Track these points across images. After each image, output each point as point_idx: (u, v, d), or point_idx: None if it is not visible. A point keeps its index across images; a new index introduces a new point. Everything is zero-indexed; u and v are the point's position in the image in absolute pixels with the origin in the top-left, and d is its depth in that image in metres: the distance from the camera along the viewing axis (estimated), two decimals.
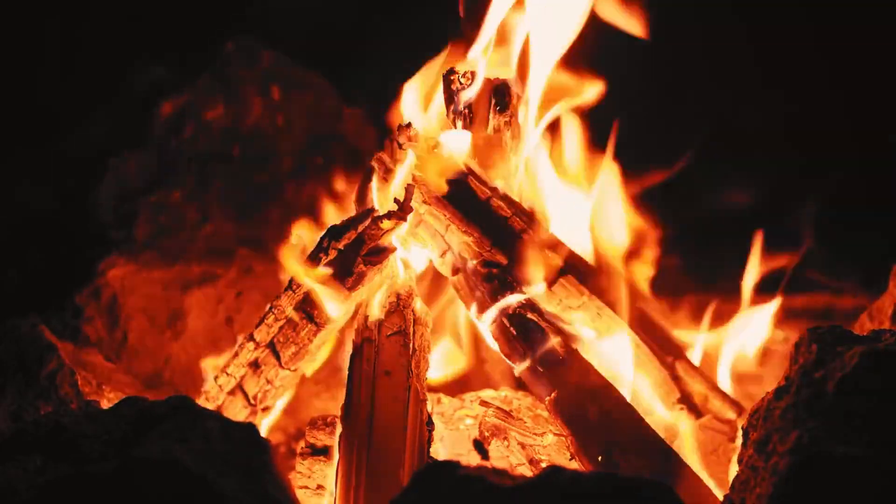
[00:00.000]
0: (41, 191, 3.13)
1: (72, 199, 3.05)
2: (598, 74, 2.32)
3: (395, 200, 2.06)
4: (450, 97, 2.18)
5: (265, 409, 2.19)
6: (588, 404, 1.94)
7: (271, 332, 2.11)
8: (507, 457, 2.02)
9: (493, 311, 2.06)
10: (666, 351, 2.20)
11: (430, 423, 1.95)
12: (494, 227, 2.13)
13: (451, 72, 2.16)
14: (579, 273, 2.17)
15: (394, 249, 2.09)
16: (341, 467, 1.84)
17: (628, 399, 2.01)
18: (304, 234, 2.15)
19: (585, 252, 2.29)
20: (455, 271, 2.14)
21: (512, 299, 2.06)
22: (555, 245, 2.18)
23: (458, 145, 2.15)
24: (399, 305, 2.03)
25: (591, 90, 2.29)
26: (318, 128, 3.24)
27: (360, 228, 2.07)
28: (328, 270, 2.05)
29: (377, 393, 1.90)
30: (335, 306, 2.05)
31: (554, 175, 2.32)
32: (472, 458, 2.08)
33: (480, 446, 2.07)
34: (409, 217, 2.08)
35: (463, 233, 2.12)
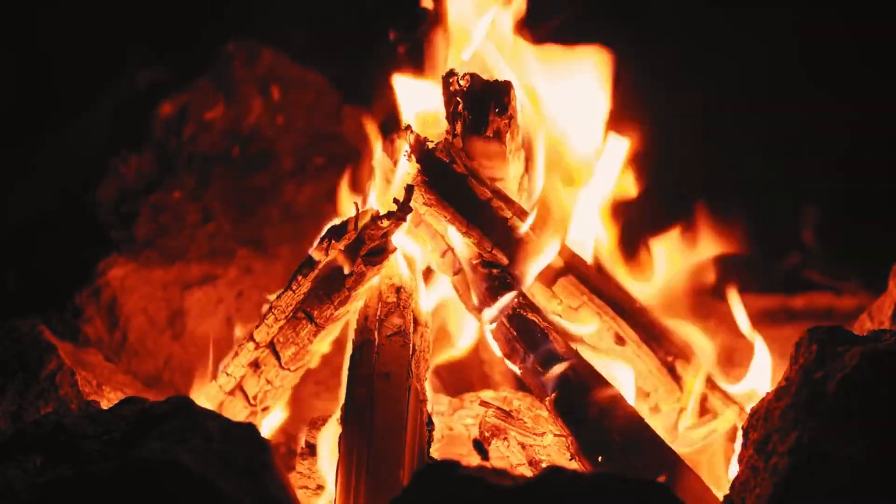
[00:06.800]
0: (41, 191, 3.13)
1: (72, 199, 3.05)
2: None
3: (395, 200, 2.06)
4: (448, 99, 2.17)
5: (265, 409, 2.19)
6: (588, 404, 1.94)
7: (271, 333, 2.11)
8: (507, 457, 2.02)
9: (493, 312, 2.06)
10: (666, 350, 2.19)
11: (430, 423, 1.95)
12: (495, 227, 2.13)
13: (451, 73, 2.16)
14: (580, 273, 2.17)
15: (394, 249, 2.09)
16: (341, 467, 1.84)
17: (628, 399, 2.01)
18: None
19: (586, 250, 2.30)
20: (455, 272, 2.15)
21: (512, 300, 2.06)
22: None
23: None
24: (399, 305, 2.03)
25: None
26: (317, 128, 3.24)
27: (360, 228, 2.07)
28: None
29: (377, 393, 1.90)
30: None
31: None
32: (472, 458, 2.08)
33: (480, 446, 2.06)
34: (409, 217, 2.08)
35: (464, 234, 2.12)
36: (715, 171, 3.34)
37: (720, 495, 1.83)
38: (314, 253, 2.07)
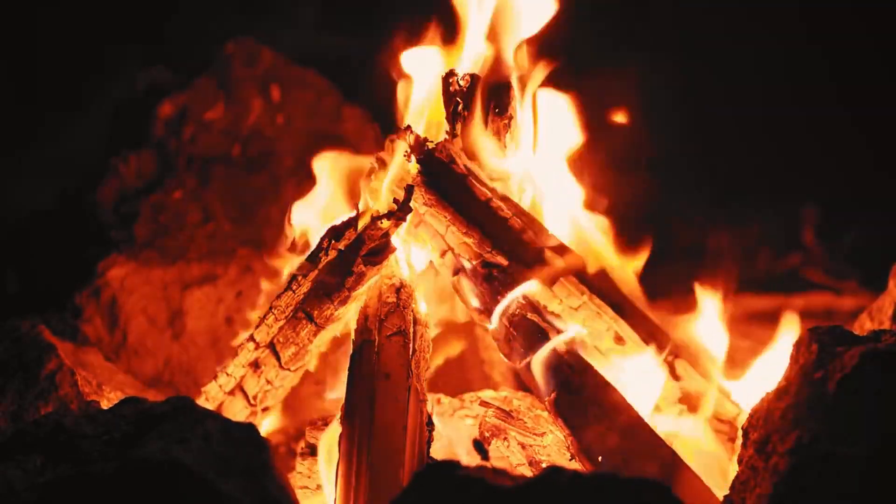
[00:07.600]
0: (41, 191, 3.14)
1: (72, 199, 3.05)
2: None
3: (395, 200, 2.06)
4: (448, 99, 2.17)
5: (265, 409, 2.19)
6: (588, 404, 1.94)
7: (271, 333, 2.11)
8: (507, 457, 2.02)
9: (493, 312, 2.06)
10: (666, 350, 2.19)
11: (430, 423, 1.95)
12: (495, 228, 2.13)
13: (451, 73, 2.16)
14: (580, 273, 2.17)
15: (394, 249, 2.09)
16: (341, 467, 1.84)
17: (628, 399, 2.01)
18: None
19: (585, 250, 2.30)
20: (455, 272, 2.15)
21: (512, 300, 2.06)
22: (555, 245, 2.17)
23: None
24: (399, 305, 2.03)
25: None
26: (317, 127, 3.24)
27: (360, 228, 2.08)
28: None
29: (377, 393, 1.90)
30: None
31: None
32: (472, 458, 2.08)
33: (480, 446, 2.06)
34: (409, 217, 2.08)
35: (464, 234, 2.12)
36: (716, 170, 3.35)
37: (720, 495, 1.83)
38: (311, 257, 2.08)
